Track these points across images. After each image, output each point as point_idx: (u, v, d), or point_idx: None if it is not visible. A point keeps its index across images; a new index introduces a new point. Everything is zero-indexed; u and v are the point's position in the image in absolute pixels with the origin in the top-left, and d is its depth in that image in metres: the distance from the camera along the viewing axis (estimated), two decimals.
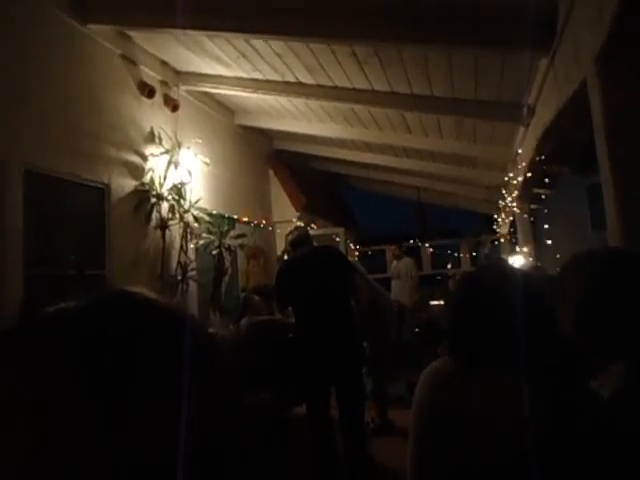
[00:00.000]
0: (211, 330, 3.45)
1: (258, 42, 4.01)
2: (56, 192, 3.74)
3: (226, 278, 5.58)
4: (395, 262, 7.52)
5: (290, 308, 3.60)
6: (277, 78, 4.83)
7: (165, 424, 0.38)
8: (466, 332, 1.15)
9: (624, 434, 1.02)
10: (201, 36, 4.10)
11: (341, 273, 3.39)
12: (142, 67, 4.72)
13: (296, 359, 3.22)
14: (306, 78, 4.69)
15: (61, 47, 3.82)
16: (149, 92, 4.65)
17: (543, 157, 4.15)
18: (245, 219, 6.39)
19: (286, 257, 6.96)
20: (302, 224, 7.15)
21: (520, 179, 5.24)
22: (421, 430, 1.06)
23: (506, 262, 3.11)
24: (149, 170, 4.63)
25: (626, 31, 2.02)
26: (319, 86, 4.80)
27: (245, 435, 0.45)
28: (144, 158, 4.63)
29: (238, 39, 3.99)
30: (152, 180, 4.61)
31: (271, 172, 7.56)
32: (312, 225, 7.59)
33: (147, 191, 4.54)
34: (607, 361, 1.26)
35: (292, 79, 4.77)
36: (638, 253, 1.40)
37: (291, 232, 7.03)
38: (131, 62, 4.58)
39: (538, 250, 6.49)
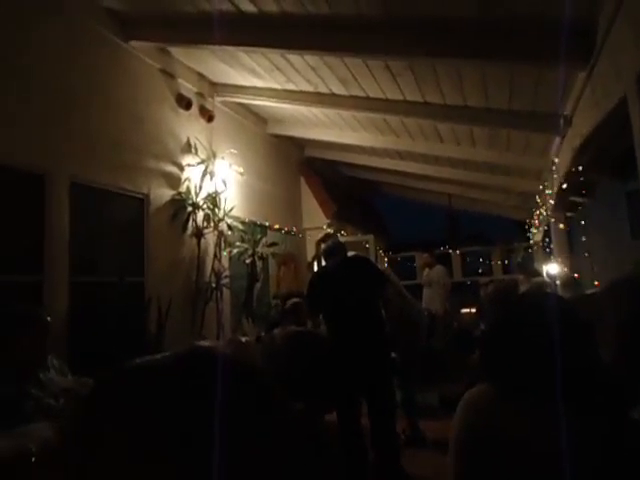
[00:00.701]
0: (244, 339, 3.53)
1: (293, 56, 4.08)
2: (99, 203, 3.90)
3: (258, 285, 5.67)
4: (427, 270, 7.47)
5: (321, 317, 3.65)
6: (310, 89, 4.90)
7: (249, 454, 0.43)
8: (502, 357, 1.16)
9: None
10: (237, 51, 4.20)
11: (372, 284, 3.41)
12: (180, 80, 4.87)
13: (327, 369, 3.26)
14: (339, 90, 4.74)
15: (105, 64, 3.99)
16: (186, 104, 4.80)
17: (580, 168, 4.08)
18: (276, 226, 6.49)
19: (316, 265, 7.04)
20: (332, 231, 7.22)
21: (556, 188, 5.15)
22: (462, 461, 1.08)
23: (544, 280, 3.06)
24: (185, 180, 4.77)
25: None
26: (352, 97, 4.84)
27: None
28: (181, 168, 4.78)
29: (274, 53, 4.08)
30: (188, 190, 4.74)
31: (302, 179, 7.64)
32: (342, 232, 7.64)
33: (184, 200, 4.68)
34: None
35: (325, 90, 4.84)
36: None
37: (322, 239, 7.11)
38: (170, 76, 4.74)
39: (574, 260, 6.34)
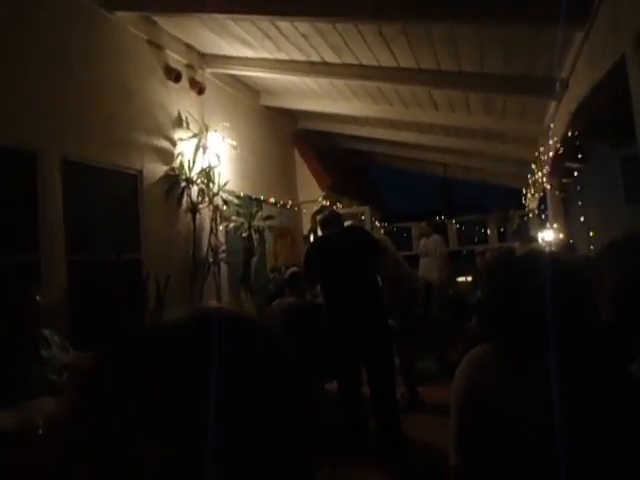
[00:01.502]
0: (244, 312, 3.55)
1: (283, 23, 3.98)
2: (92, 180, 3.86)
3: (255, 258, 5.68)
4: (424, 239, 7.48)
5: (318, 287, 3.67)
6: (302, 58, 4.80)
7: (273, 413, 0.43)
8: (503, 317, 1.17)
9: None
10: (226, 19, 4.09)
11: (369, 252, 3.43)
12: (168, 51, 4.75)
13: (326, 339, 3.30)
14: (332, 58, 4.65)
15: (92, 36, 3.88)
16: (176, 76, 4.69)
17: (576, 133, 4.05)
18: (272, 200, 6.45)
19: (312, 237, 7.04)
20: (327, 203, 7.20)
21: (551, 154, 5.12)
22: (462, 415, 1.10)
23: (540, 246, 3.07)
24: (178, 155, 4.71)
25: None
26: (345, 65, 4.75)
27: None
28: (173, 143, 4.71)
29: (263, 21, 3.97)
30: (182, 164, 4.69)
31: (296, 152, 7.56)
32: (337, 204, 7.61)
33: (177, 175, 4.63)
34: None
35: (317, 59, 4.74)
36: None
37: (318, 212, 7.08)
38: (157, 47, 4.62)
39: (569, 226, 6.37)
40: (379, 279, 3.44)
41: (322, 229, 3.70)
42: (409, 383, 4.31)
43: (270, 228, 6.01)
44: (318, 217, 3.70)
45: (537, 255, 1.55)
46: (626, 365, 1.18)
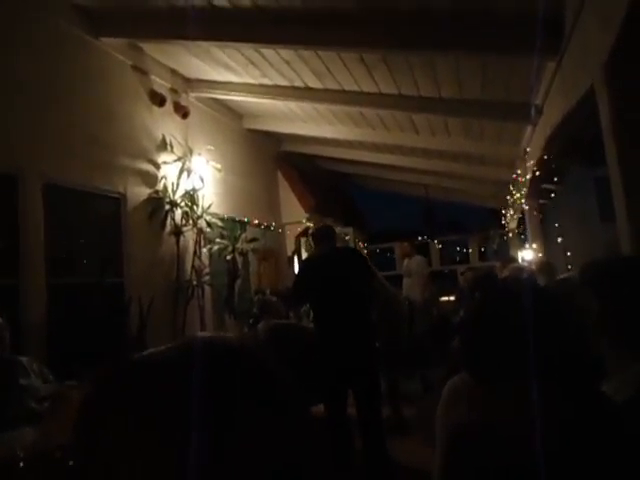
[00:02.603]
0: (228, 335, 3.52)
1: (267, 50, 4.07)
2: (74, 203, 3.84)
3: (239, 281, 5.66)
4: (407, 260, 7.55)
5: (304, 308, 3.65)
6: (285, 83, 4.89)
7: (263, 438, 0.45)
8: (482, 347, 1.19)
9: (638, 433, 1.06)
10: (210, 46, 4.16)
11: (362, 275, 3.41)
12: (152, 76, 4.80)
13: (314, 361, 3.28)
14: (314, 83, 4.75)
15: (76, 61, 3.91)
16: (160, 101, 4.73)
17: (551, 156, 4.19)
18: (256, 222, 6.47)
19: (296, 259, 7.05)
20: (311, 224, 7.24)
21: (529, 176, 5.27)
22: (445, 447, 1.12)
23: (524, 272, 3.12)
24: (162, 178, 4.72)
25: (633, 38, 2.06)
26: (327, 90, 4.85)
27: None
28: (157, 166, 4.72)
29: (247, 48, 4.05)
30: (165, 187, 4.69)
31: (279, 174, 7.63)
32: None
33: (161, 198, 4.63)
34: (627, 364, 1.32)
35: (300, 84, 4.83)
36: None
37: (302, 233, 7.09)
38: (142, 72, 4.66)
39: (548, 246, 6.51)
40: (369, 302, 3.43)
41: (315, 243, 3.63)
42: (394, 403, 4.31)
43: (254, 250, 6.01)
44: (311, 230, 3.64)
45: (516, 278, 1.59)
46: (599, 386, 1.21)
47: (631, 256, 1.86)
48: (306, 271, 3.49)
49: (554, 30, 2.80)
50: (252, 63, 4.52)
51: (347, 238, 8.07)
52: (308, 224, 7.20)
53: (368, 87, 4.64)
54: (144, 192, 4.51)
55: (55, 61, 3.71)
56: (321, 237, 3.55)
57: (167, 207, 4.67)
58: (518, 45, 2.94)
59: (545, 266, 5.13)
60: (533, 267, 5.82)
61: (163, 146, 4.83)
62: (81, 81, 3.95)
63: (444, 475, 1.09)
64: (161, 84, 4.92)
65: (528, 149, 4.98)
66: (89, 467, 0.46)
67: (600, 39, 2.19)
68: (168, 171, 4.80)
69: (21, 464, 1.47)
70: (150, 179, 4.62)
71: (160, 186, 4.67)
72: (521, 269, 3.44)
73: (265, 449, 0.44)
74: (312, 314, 3.54)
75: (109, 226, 4.17)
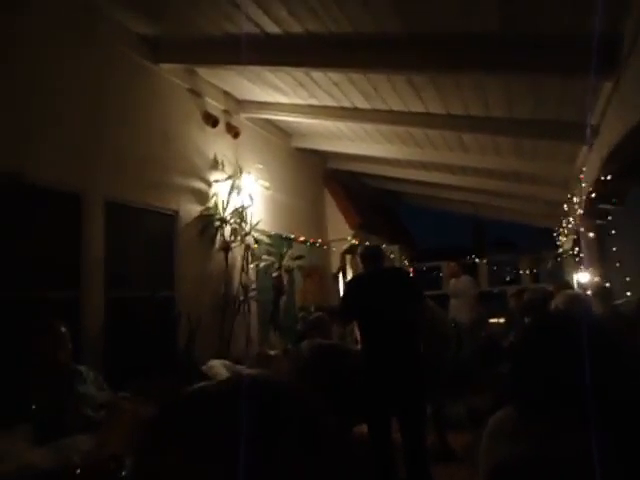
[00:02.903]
0: (272, 352, 3.58)
1: (316, 73, 4.17)
2: (131, 220, 4.04)
3: (284, 297, 5.74)
4: (454, 280, 7.40)
5: (351, 327, 3.62)
6: (333, 104, 4.98)
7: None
8: (531, 380, 1.15)
9: None
10: (262, 70, 4.31)
11: (411, 297, 3.36)
12: (206, 98, 5.01)
13: (358, 382, 3.26)
14: (362, 103, 4.80)
15: (135, 85, 4.15)
16: (213, 122, 4.93)
17: (609, 177, 4.02)
18: (302, 238, 6.55)
19: (341, 276, 7.05)
20: (357, 242, 7.25)
21: (584, 197, 5.07)
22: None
23: (579, 300, 2.97)
24: (213, 195, 4.89)
25: None
26: (375, 110, 4.89)
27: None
28: (208, 184, 4.90)
29: (298, 71, 4.17)
30: (216, 205, 4.86)
31: (326, 191, 7.71)
32: (367, 243, 7.65)
33: (211, 215, 4.79)
34: None
35: (348, 105, 4.90)
36: None
37: (347, 250, 7.10)
38: (197, 95, 4.88)
39: (605, 269, 6.20)
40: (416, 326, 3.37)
41: (363, 263, 3.62)
42: (439, 431, 4.20)
43: (299, 267, 6.08)
44: (359, 250, 3.64)
45: (572, 310, 1.53)
46: None
47: None
48: (354, 290, 3.47)
49: (611, 50, 2.72)
50: (301, 85, 4.64)
51: (392, 256, 8.01)
52: (354, 241, 7.22)
53: (416, 107, 4.64)
54: (196, 209, 4.69)
55: (118, 86, 3.96)
56: (370, 257, 3.53)
57: (217, 224, 4.82)
58: (572, 67, 2.87)
59: (601, 290, 4.89)
60: (589, 292, 5.56)
61: (215, 165, 5.01)
62: (140, 103, 4.18)
63: None
64: (214, 106, 5.13)
65: (584, 169, 4.80)
66: None
67: None
68: (219, 189, 4.97)
69: (78, 471, 1.55)
70: (202, 197, 4.80)
71: (211, 203, 4.84)
72: (576, 296, 3.29)
73: None
74: (359, 335, 3.52)
75: (162, 242, 4.36)
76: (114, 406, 1.95)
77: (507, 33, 3.00)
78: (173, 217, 4.44)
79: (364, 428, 3.41)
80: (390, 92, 4.34)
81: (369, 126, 5.41)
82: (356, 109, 4.96)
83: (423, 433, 3.28)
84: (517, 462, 1.02)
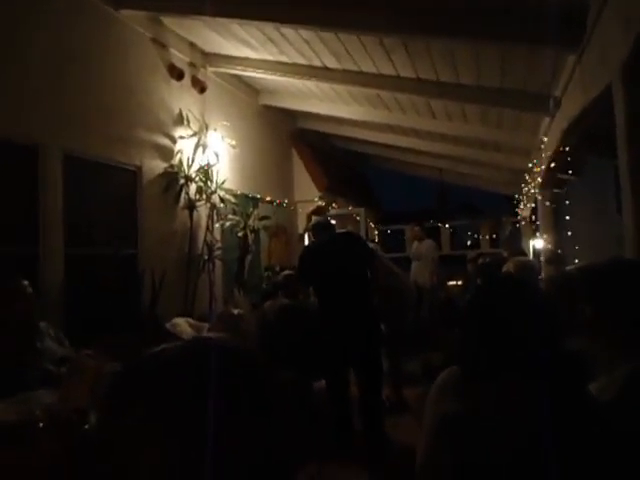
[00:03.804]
0: (236, 311, 3.64)
1: (287, 30, 4.05)
2: (92, 175, 3.92)
3: (249, 257, 5.77)
4: (416, 243, 7.58)
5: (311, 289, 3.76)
6: (303, 62, 4.87)
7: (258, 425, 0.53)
8: (471, 341, 1.23)
9: (622, 431, 1.12)
10: (231, 22, 4.15)
11: (361, 259, 3.51)
12: (171, 50, 4.81)
13: (318, 341, 3.39)
14: (332, 63, 4.72)
15: (96, 33, 3.94)
16: (178, 75, 4.76)
17: (568, 148, 4.16)
18: (268, 198, 6.53)
19: (307, 235, 7.12)
20: (323, 203, 7.29)
21: (544, 167, 5.24)
22: (428, 437, 1.18)
23: (528, 268, 3.14)
24: (178, 152, 4.78)
25: None
26: (345, 71, 4.83)
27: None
28: (173, 140, 4.78)
29: (268, 26, 4.04)
30: (181, 162, 4.76)
31: (294, 151, 7.64)
32: (333, 205, 7.70)
33: (176, 173, 4.70)
34: (612, 365, 1.38)
35: (318, 64, 4.81)
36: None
37: (313, 211, 7.15)
38: (161, 45, 4.68)
39: (559, 237, 6.49)
40: (370, 285, 3.52)
41: (314, 235, 3.77)
42: (395, 385, 4.43)
43: (265, 227, 6.09)
44: (310, 223, 3.76)
45: (512, 278, 1.63)
46: (584, 384, 1.25)
47: (629, 260, 1.89)
48: (306, 258, 3.60)
49: (576, 24, 2.76)
50: (271, 40, 4.51)
51: (358, 218, 8.10)
52: (320, 203, 7.25)
53: (386, 70, 4.61)
54: (160, 166, 4.59)
55: (73, 31, 3.73)
56: (319, 229, 3.69)
57: (182, 181, 4.74)
58: (538, 36, 2.90)
59: (554, 257, 5.16)
60: (542, 258, 5.84)
61: (180, 120, 4.87)
62: (101, 53, 3.98)
63: (426, 461, 1.16)
64: (180, 58, 4.93)
65: (545, 139, 4.93)
66: (108, 440, 0.56)
67: (621, 38, 2.17)
68: (184, 146, 4.85)
69: (40, 424, 1.59)
70: (166, 153, 4.68)
71: (176, 160, 4.74)
72: (526, 263, 3.46)
73: (251, 445, 0.52)
74: (315, 296, 3.65)
75: (125, 198, 4.26)
76: (77, 362, 1.97)
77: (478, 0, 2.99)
78: (136, 173, 4.33)
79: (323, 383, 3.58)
80: (361, 53, 4.28)
81: (339, 87, 5.34)
82: (326, 68, 4.88)
83: (379, 387, 3.47)
84: (458, 417, 1.11)
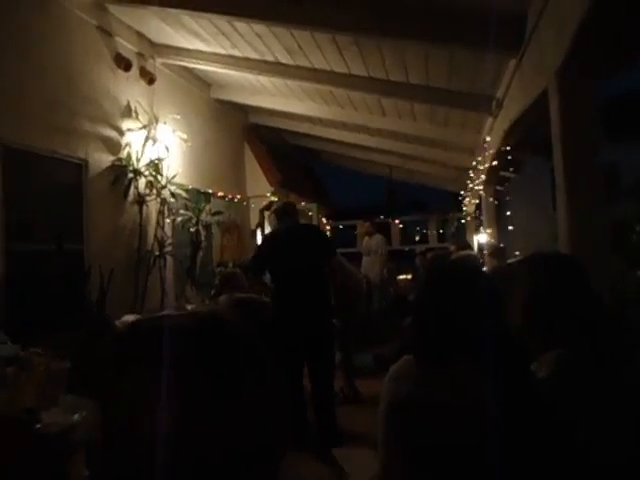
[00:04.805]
0: (189, 306, 3.60)
1: (239, 23, 4.02)
2: (34, 167, 3.74)
3: (201, 253, 5.69)
4: (367, 238, 7.74)
5: (266, 276, 3.73)
6: (256, 57, 4.85)
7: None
8: (428, 334, 1.30)
9: (557, 405, 1.22)
10: (181, 13, 4.07)
11: (322, 252, 3.54)
12: (118, 39, 4.65)
13: (272, 332, 3.41)
14: (285, 59, 4.74)
15: (36, 18, 3.75)
16: (125, 65, 4.60)
17: (509, 147, 4.39)
18: (220, 194, 6.46)
19: (259, 232, 7.10)
20: (276, 199, 7.29)
21: (487, 165, 5.50)
22: (385, 423, 1.24)
23: (470, 253, 3.32)
24: (126, 145, 4.64)
25: (585, 47, 2.22)
26: (298, 67, 4.85)
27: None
28: (121, 133, 4.63)
29: (219, 19, 4.00)
30: (129, 155, 4.62)
31: (246, 146, 7.58)
32: (285, 200, 7.70)
33: (124, 166, 4.56)
34: (547, 347, 1.50)
35: (271, 59, 4.81)
36: (579, 260, 1.61)
37: (266, 207, 7.14)
38: (107, 33, 4.51)
39: (501, 231, 6.84)
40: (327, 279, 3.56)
41: (278, 219, 3.73)
42: (348, 376, 4.53)
43: (218, 223, 6.03)
44: (274, 206, 3.72)
45: (459, 265, 1.73)
46: (527, 366, 1.36)
47: (565, 254, 2.05)
48: (267, 244, 3.59)
49: (517, 29, 2.93)
50: (222, 33, 4.46)
51: (310, 214, 8.17)
52: (273, 198, 7.24)
53: (339, 67, 4.67)
54: (107, 159, 4.44)
55: (14, 16, 3.54)
56: (283, 213, 3.66)
57: (130, 175, 4.60)
58: (481, 40, 3.05)
59: (496, 250, 5.43)
60: (485, 251, 6.13)
61: (127, 112, 4.72)
62: (43, 39, 3.80)
63: (384, 446, 1.22)
64: (127, 48, 4.77)
65: (488, 139, 5.18)
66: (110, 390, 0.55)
67: (555, 45, 2.33)
68: (132, 139, 4.71)
69: None
70: (113, 146, 4.53)
71: (124, 154, 4.60)
72: (468, 256, 3.65)
73: (245, 413, 0.53)
74: (272, 284, 3.65)
75: (70, 193, 4.10)
76: (26, 361, 1.90)
77: (428, 3, 3.10)
78: (81, 166, 4.17)
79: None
80: (314, 49, 4.32)
81: (292, 82, 5.36)
82: (279, 64, 4.88)
83: (331, 378, 3.55)
84: (413, 401, 1.17)
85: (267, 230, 7.27)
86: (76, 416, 1.69)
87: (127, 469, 0.52)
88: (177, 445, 0.49)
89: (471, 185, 7.10)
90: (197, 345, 0.53)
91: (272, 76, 5.17)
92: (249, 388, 0.54)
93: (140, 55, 4.98)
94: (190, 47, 5.04)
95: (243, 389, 0.53)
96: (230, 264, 5.62)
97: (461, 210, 10.09)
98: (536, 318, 1.60)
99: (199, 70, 5.79)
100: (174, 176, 5.02)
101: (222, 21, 4.08)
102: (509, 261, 4.68)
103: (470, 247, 6.37)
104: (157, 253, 4.80)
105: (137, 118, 4.78)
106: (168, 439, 0.48)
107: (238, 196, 7.02)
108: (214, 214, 5.80)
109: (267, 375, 0.58)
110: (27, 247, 3.61)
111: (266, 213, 7.30)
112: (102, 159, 4.37)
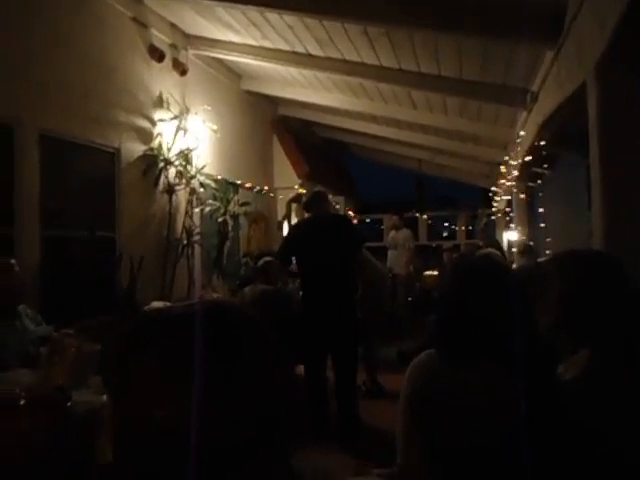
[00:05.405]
0: (215, 295, 3.65)
1: (271, 14, 4.03)
2: (69, 156, 3.85)
3: (228, 243, 5.76)
4: (393, 232, 7.69)
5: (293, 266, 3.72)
6: (287, 48, 4.85)
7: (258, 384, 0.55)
8: (454, 330, 1.28)
9: (585, 407, 1.19)
10: (214, 4, 4.10)
11: (352, 244, 3.51)
12: (152, 30, 4.73)
13: (297, 325, 3.43)
14: (316, 50, 4.72)
15: (74, 11, 3.84)
16: (159, 56, 4.68)
17: (543, 143, 4.27)
18: (248, 185, 6.52)
19: (286, 224, 7.13)
20: (304, 191, 7.30)
21: (520, 160, 5.37)
22: (406, 417, 1.23)
23: (495, 252, 3.25)
24: (157, 135, 4.73)
25: (626, 40, 2.13)
26: (328, 58, 4.83)
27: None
28: (153, 123, 4.71)
29: (251, 10, 4.01)
30: (160, 145, 4.70)
31: (275, 138, 7.61)
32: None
33: (155, 156, 4.65)
34: (577, 347, 1.46)
35: (302, 50, 4.80)
36: (616, 258, 1.55)
37: (293, 199, 7.16)
38: (142, 25, 4.59)
39: (532, 229, 6.67)
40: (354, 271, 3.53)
41: (307, 209, 3.70)
42: (371, 371, 4.53)
43: (245, 214, 6.09)
44: (304, 197, 3.67)
45: (486, 265, 1.70)
46: (554, 367, 1.33)
47: (598, 252, 1.98)
48: (297, 231, 3.57)
49: (555, 21, 2.84)
50: (254, 24, 4.47)
51: (337, 207, 8.15)
52: (300, 190, 7.26)
53: (369, 59, 4.63)
54: (139, 148, 4.53)
55: (55, 11, 3.64)
56: (312, 202, 3.62)
57: (161, 165, 4.69)
58: (516, 31, 2.97)
59: (526, 248, 5.31)
60: (514, 249, 6.00)
61: (160, 103, 4.80)
62: (80, 32, 3.89)
63: (405, 442, 1.22)
64: (160, 39, 4.85)
65: (522, 133, 5.05)
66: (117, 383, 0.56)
67: (596, 38, 2.25)
68: (164, 129, 4.79)
69: (21, 402, 1.60)
70: (145, 136, 4.62)
71: (155, 143, 4.68)
72: (490, 254, 3.57)
73: (250, 399, 0.54)
74: (299, 274, 3.64)
75: (103, 181, 4.20)
76: (58, 341, 1.97)
77: None
78: (114, 155, 4.27)
79: (301, 369, 3.64)
80: (345, 41, 4.29)
81: (322, 74, 5.34)
82: (309, 55, 4.87)
83: (354, 371, 3.55)
84: (431, 398, 1.16)
85: (294, 222, 7.30)
86: (105, 397, 1.75)
87: (139, 458, 0.53)
88: (185, 431, 0.49)
89: (502, 181, 6.94)
90: (200, 331, 0.54)
91: (302, 68, 5.16)
92: (252, 372, 0.54)
93: (173, 46, 5.05)
94: (222, 38, 5.08)
95: (246, 373, 0.53)
96: (255, 254, 5.67)
97: (491, 207, 9.89)
98: (566, 318, 1.56)
99: (230, 61, 5.84)
100: (203, 166, 5.09)
101: (254, 12, 4.09)
102: (539, 259, 4.57)
103: (499, 244, 6.24)
104: (185, 242, 4.89)
105: (169, 109, 4.86)
106: (174, 426, 0.49)
107: (266, 187, 7.07)
108: (242, 205, 5.86)
109: (272, 359, 0.58)
110: (61, 233, 3.73)
111: (293, 205, 7.32)
112: (134, 149, 4.47)
